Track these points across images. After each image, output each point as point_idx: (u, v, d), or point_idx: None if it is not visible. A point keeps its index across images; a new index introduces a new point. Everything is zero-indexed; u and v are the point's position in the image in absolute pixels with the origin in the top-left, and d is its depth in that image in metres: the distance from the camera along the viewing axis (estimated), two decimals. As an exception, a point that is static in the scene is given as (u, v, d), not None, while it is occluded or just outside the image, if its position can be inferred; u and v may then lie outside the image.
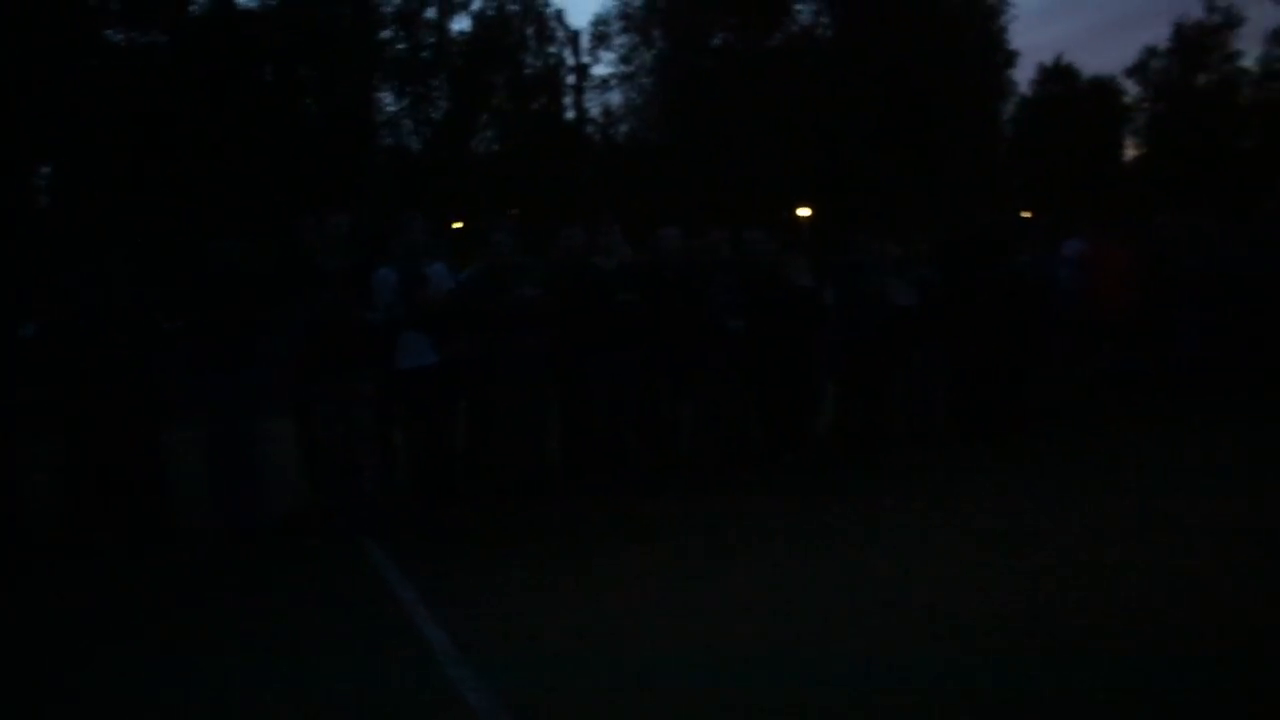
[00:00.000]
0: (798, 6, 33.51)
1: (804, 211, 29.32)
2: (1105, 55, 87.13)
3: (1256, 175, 35.11)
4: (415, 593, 4.97)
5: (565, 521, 6.51)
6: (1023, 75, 45.88)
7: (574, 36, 33.12)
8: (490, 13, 32.40)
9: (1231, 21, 40.90)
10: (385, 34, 30.22)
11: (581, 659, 3.94)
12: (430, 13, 31.22)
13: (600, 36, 34.32)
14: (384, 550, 5.91)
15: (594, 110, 34.53)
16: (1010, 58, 35.70)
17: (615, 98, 34.92)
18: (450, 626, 4.36)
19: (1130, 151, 41.90)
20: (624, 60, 34.43)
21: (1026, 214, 24.80)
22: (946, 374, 8.70)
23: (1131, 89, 42.27)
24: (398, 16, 30.43)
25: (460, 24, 32.13)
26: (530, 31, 33.00)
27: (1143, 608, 4.17)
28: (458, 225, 23.49)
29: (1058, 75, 41.26)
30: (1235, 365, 9.34)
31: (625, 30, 34.33)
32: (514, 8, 32.77)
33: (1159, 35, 54.27)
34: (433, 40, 31.28)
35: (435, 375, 7.01)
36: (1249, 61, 41.58)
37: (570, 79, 33.44)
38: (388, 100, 30.93)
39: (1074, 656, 3.71)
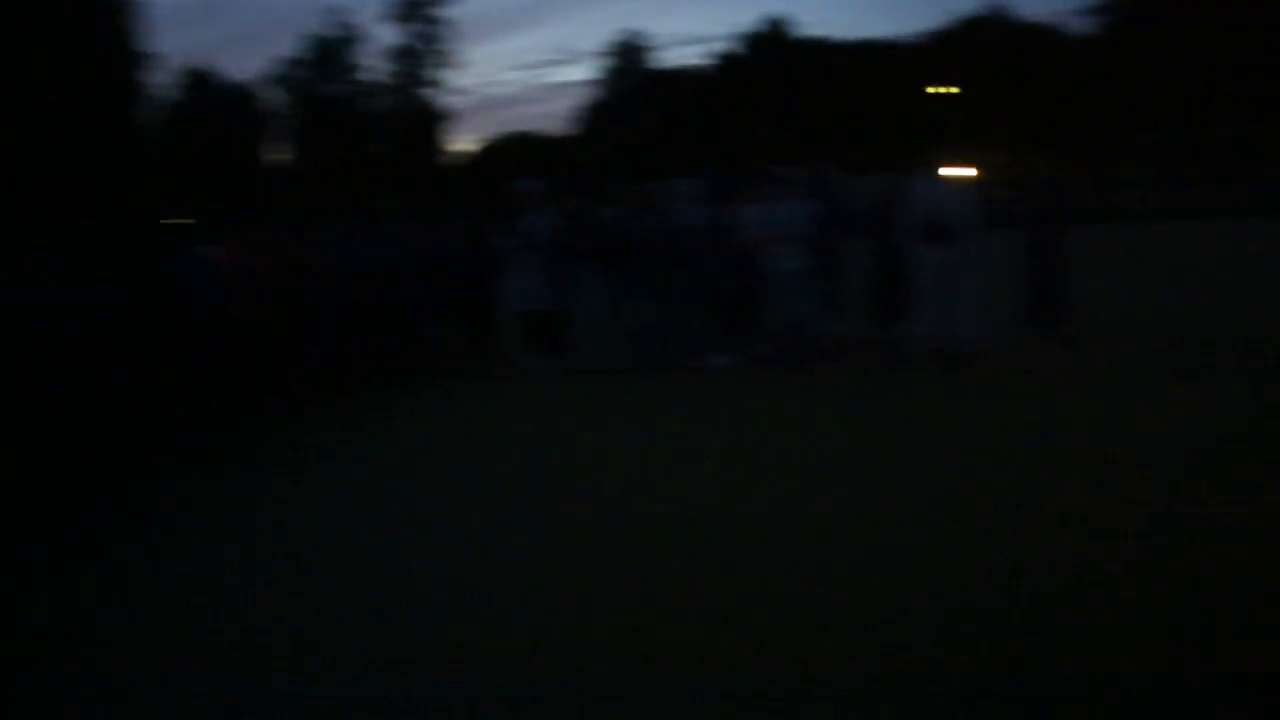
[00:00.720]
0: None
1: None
2: (252, 61, 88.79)
3: (387, 181, 38.97)
4: None
5: None
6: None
7: None
8: None
9: (356, 38, 44.68)
10: None
11: None
12: None
13: None
14: None
15: None
16: (136, 59, 33.94)
17: None
18: None
19: (277, 156, 43.49)
20: None
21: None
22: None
23: (275, 97, 43.88)
24: None
25: None
26: None
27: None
28: None
29: (198, 81, 41.13)
30: (370, 356, 10.21)
31: None
32: None
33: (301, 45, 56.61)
34: None
35: None
36: (377, 76, 45.68)
37: None
38: None
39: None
